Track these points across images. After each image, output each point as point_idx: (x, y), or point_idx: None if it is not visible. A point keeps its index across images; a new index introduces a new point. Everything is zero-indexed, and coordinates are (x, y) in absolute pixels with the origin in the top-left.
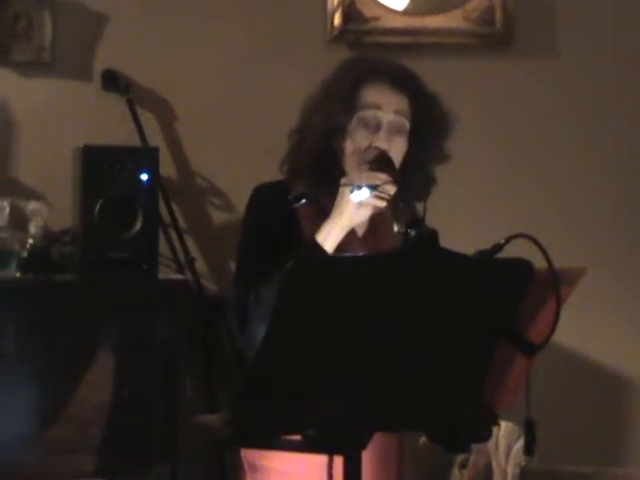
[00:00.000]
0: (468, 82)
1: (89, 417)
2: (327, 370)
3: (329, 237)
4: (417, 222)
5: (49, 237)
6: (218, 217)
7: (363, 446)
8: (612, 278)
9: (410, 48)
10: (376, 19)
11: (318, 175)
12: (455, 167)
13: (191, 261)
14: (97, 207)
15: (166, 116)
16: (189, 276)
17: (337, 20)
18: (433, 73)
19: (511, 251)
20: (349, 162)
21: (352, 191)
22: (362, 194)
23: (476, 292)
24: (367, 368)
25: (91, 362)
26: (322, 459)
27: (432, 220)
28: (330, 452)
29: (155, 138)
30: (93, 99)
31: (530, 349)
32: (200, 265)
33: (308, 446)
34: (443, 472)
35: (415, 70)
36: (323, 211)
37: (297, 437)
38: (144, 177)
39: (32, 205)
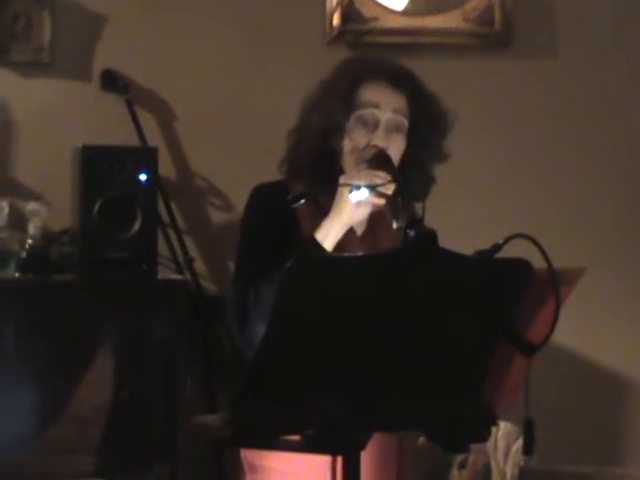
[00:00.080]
0: (467, 82)
1: (88, 417)
2: (326, 370)
3: (328, 235)
4: (416, 222)
5: (48, 237)
6: (217, 217)
7: (362, 446)
8: (611, 278)
9: (409, 48)
10: (375, 19)
11: (317, 174)
12: (454, 167)
13: (190, 261)
14: (96, 207)
15: (165, 116)
16: (188, 276)
17: (336, 20)
18: (432, 73)
19: (510, 251)
20: (347, 161)
21: (351, 191)
22: (361, 194)
23: (475, 292)
24: (366, 368)
25: (90, 362)
26: (322, 459)
27: (431, 220)
28: (329, 452)
29: (154, 138)
30: (92, 99)
31: (529, 349)
32: (199, 265)
33: (307, 446)
34: (442, 472)
35: (414, 70)
36: (322, 210)
37: (296, 437)
38: (143, 177)
39: (31, 205)
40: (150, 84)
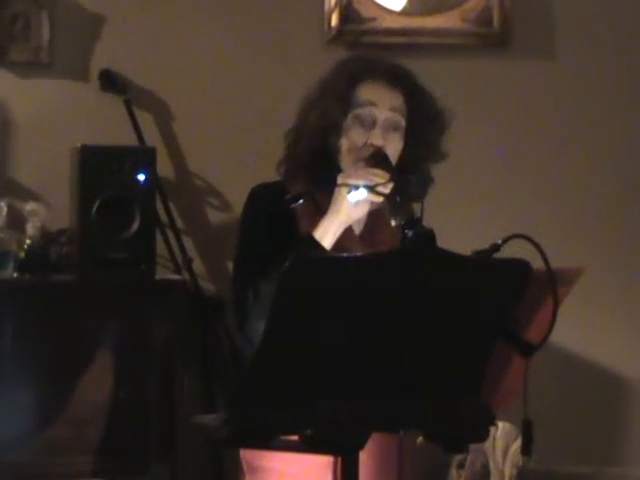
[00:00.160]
0: (466, 82)
1: (87, 417)
2: (325, 370)
3: (326, 234)
4: (415, 222)
5: (47, 237)
6: (216, 217)
7: (361, 446)
8: (610, 278)
9: (408, 48)
10: (373, 19)
11: (314, 172)
12: (452, 167)
13: (188, 261)
14: (95, 207)
15: (164, 116)
16: (186, 276)
17: (334, 21)
18: (431, 73)
19: (509, 251)
20: (345, 159)
21: (350, 191)
22: (359, 194)
23: (474, 292)
24: (364, 368)
25: (89, 362)
26: (322, 459)
27: (430, 220)
28: (327, 452)
29: (153, 138)
30: (91, 99)
31: (528, 349)
32: (197, 265)
33: (306, 446)
34: (441, 472)
35: (413, 70)
36: (320, 210)
37: (295, 437)
38: (141, 177)
39: (30, 205)
40: (149, 84)
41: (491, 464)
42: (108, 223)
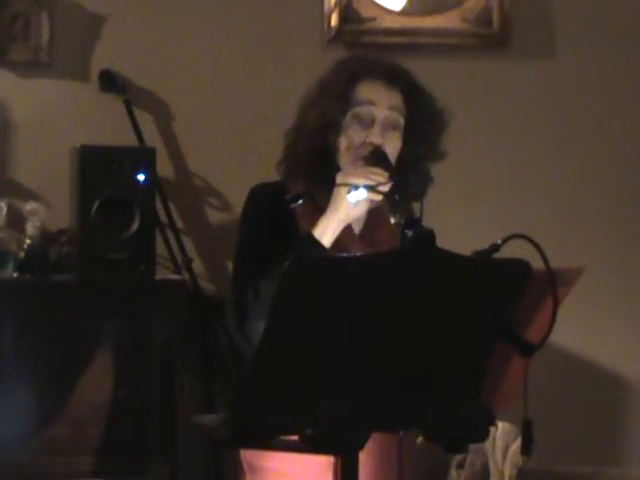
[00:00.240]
0: (465, 82)
1: (87, 417)
2: (325, 370)
3: (326, 232)
4: (414, 222)
5: (46, 237)
6: (215, 217)
7: (360, 446)
8: (610, 278)
9: (407, 48)
10: (373, 19)
11: (314, 171)
12: (452, 167)
13: (188, 261)
14: (94, 207)
15: (163, 116)
16: (186, 276)
17: (334, 21)
18: (430, 73)
19: (509, 251)
20: (344, 158)
21: (349, 191)
22: (359, 194)
23: (473, 292)
24: (364, 367)
25: (89, 362)
26: (322, 460)
27: (429, 220)
28: (327, 452)
29: (152, 138)
30: (91, 99)
31: (528, 349)
32: (197, 265)
33: (306, 446)
34: (441, 472)
35: (412, 70)
36: (320, 209)
37: (295, 437)
38: (141, 177)
39: (29, 205)
40: (148, 84)
41: (491, 464)
42: (108, 223)
